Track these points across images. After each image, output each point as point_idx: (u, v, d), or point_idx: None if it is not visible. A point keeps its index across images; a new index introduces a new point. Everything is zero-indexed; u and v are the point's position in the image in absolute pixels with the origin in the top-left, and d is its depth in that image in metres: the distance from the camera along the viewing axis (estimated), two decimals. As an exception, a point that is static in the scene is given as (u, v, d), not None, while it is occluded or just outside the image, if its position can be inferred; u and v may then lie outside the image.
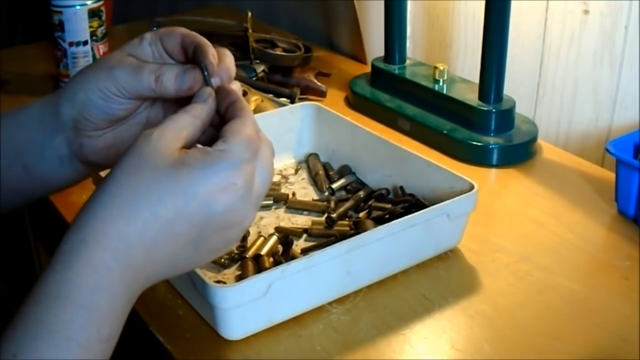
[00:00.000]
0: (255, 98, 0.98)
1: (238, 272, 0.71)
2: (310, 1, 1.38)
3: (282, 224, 0.80)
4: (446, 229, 0.73)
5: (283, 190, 0.86)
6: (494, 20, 0.91)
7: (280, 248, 0.75)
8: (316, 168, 0.89)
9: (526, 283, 0.71)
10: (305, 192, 0.87)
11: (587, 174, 0.91)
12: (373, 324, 0.65)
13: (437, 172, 0.77)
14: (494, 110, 0.94)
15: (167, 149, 0.49)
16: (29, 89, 1.16)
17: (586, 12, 0.95)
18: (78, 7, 1.08)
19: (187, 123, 0.51)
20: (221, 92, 0.54)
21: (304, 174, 0.91)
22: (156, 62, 0.58)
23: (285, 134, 0.91)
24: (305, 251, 0.74)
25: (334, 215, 0.78)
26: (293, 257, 0.72)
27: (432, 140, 0.97)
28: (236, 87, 0.56)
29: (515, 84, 1.06)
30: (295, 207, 0.83)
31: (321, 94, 1.11)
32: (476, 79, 0.97)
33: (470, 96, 0.97)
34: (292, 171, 0.91)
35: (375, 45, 1.23)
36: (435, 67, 1.02)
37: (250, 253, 0.73)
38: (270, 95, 1.04)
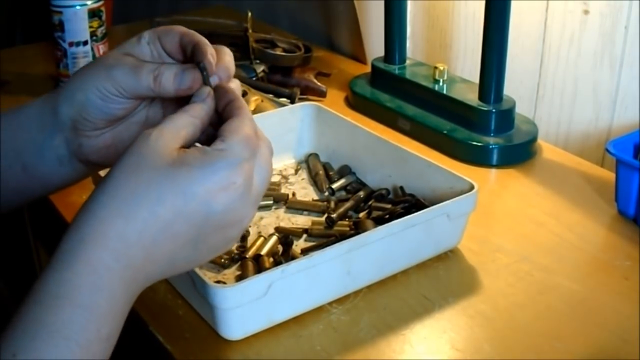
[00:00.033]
0: (255, 98, 0.98)
1: (238, 272, 0.71)
2: (310, 1, 1.38)
3: (282, 224, 0.80)
4: (446, 229, 0.73)
5: (283, 190, 0.86)
6: (494, 20, 0.91)
7: (280, 248, 0.75)
8: (316, 168, 0.89)
9: (526, 283, 0.71)
10: (305, 192, 0.87)
11: (587, 174, 0.91)
12: (373, 324, 0.65)
13: (437, 172, 0.77)
14: (494, 110, 0.94)
15: (166, 149, 0.49)
16: (29, 89, 1.16)
17: (586, 12, 0.95)
18: (78, 7, 1.08)
19: (186, 123, 0.51)
20: (219, 91, 0.54)
21: (304, 174, 0.91)
22: (154, 61, 0.57)
23: (285, 134, 0.91)
24: (305, 251, 0.74)
25: (334, 216, 0.78)
26: (293, 257, 0.72)
27: (432, 140, 0.97)
28: (235, 85, 0.56)
29: (515, 84, 1.06)
30: (295, 207, 0.83)
31: (321, 94, 1.11)
32: (476, 79, 0.97)
33: (470, 96, 0.97)
34: (292, 171, 0.91)
35: (375, 45, 1.23)
36: (435, 67, 1.02)
37: (250, 253, 0.73)
38: (270, 96, 1.04)
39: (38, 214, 1.04)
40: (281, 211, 0.82)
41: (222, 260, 0.72)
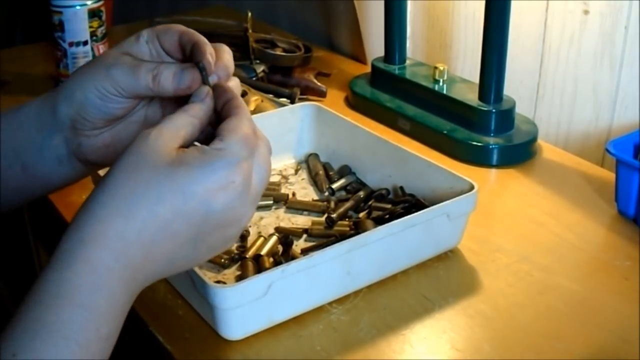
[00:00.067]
0: (255, 98, 0.98)
1: (238, 272, 0.71)
2: (310, 1, 1.38)
3: (282, 224, 0.79)
4: (446, 229, 0.73)
5: (283, 190, 0.86)
6: (494, 20, 0.91)
7: (280, 248, 0.75)
8: (316, 168, 0.89)
9: (526, 283, 0.71)
10: (305, 192, 0.87)
11: (587, 174, 0.91)
12: (373, 324, 0.65)
13: (437, 172, 0.77)
14: (494, 110, 0.94)
15: (165, 148, 0.49)
16: (29, 89, 1.16)
17: (586, 12, 0.95)
18: (78, 7, 1.08)
19: (185, 123, 0.51)
20: (217, 90, 0.54)
21: (304, 174, 0.91)
22: (153, 60, 0.57)
23: (285, 134, 0.91)
24: (305, 251, 0.74)
25: (334, 216, 0.78)
26: (293, 257, 0.72)
27: (432, 140, 0.97)
28: (235, 83, 0.56)
29: (515, 84, 1.06)
30: (295, 207, 0.83)
31: (321, 94, 1.10)
32: (476, 79, 0.97)
33: (470, 96, 0.97)
34: (292, 171, 0.91)
35: (375, 45, 1.23)
36: (435, 67, 1.01)
37: (250, 253, 0.73)
38: (270, 96, 1.04)
39: (38, 214, 1.04)
40: (281, 211, 0.82)
41: (222, 260, 0.72)
